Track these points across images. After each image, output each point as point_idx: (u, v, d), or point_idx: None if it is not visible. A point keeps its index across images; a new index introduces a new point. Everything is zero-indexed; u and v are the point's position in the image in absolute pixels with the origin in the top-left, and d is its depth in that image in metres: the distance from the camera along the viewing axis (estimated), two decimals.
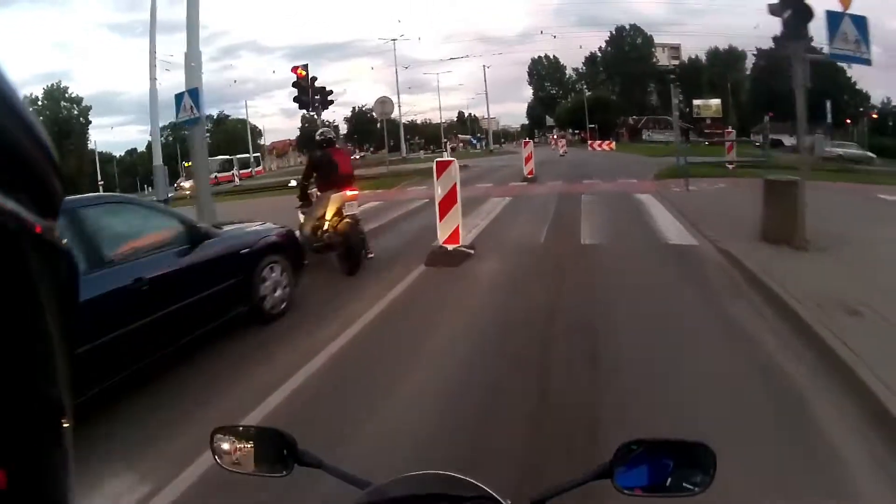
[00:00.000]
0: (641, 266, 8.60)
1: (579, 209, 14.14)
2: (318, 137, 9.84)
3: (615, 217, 12.99)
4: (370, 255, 9.75)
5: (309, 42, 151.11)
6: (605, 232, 11.20)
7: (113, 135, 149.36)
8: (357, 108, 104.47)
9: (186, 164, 57.83)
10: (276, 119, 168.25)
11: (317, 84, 19.89)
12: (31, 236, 0.42)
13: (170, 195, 40.57)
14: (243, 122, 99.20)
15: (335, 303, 7.51)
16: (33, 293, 0.41)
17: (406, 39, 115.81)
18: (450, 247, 9.55)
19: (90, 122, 77.88)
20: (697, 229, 10.65)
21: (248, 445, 1.43)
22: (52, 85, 74.74)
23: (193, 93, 12.38)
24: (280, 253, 7.23)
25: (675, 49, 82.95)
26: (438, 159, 9.66)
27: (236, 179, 52.24)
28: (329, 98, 20.52)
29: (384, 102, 26.68)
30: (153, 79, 30.11)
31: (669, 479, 1.21)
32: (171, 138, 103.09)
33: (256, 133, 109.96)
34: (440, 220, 9.66)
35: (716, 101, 67.03)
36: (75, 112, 75.84)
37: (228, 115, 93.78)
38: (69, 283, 0.50)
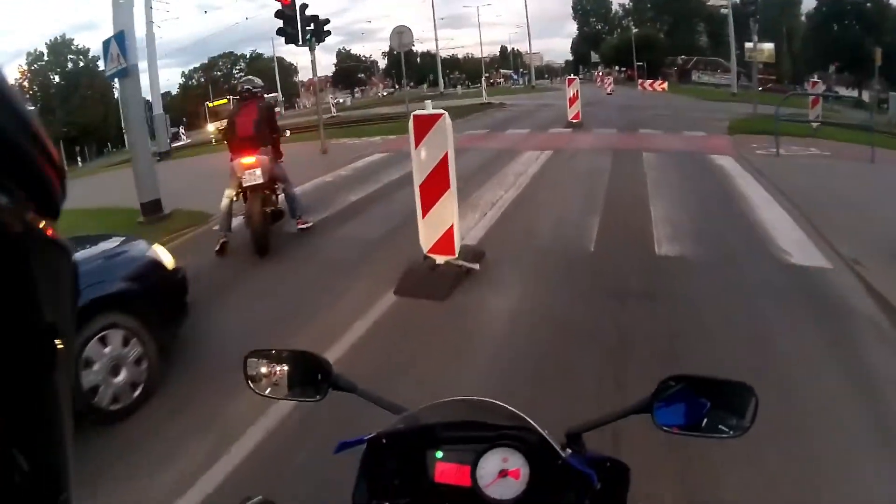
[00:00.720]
0: (758, 322, 4.85)
1: (643, 178, 10.22)
2: (238, 87, 8.48)
3: (695, 196, 9.05)
4: (302, 226, 8.24)
5: None
6: (687, 229, 7.32)
7: (144, 79, 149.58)
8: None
9: (210, 105, 54.97)
10: (318, 55, 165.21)
11: (309, 12, 16.12)
12: (33, 236, 0.42)
13: (174, 145, 38.89)
14: (279, 59, 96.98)
15: (223, 383, 4.07)
16: (35, 293, 0.42)
17: None
18: (440, 259, 5.98)
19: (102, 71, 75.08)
20: (818, 231, 7.09)
21: (282, 369, 1.42)
22: (57, 38, 73.74)
23: (119, 38, 10.35)
24: (127, 307, 4.29)
25: None
26: (416, 112, 5.93)
27: None
28: (325, 29, 16.69)
29: (401, 33, 22.64)
30: (150, 22, 27.93)
31: (705, 420, 1.17)
32: (202, 79, 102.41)
33: (292, 70, 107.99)
34: (422, 216, 6.06)
35: (769, 46, 62.44)
36: (81, 64, 74.16)
37: (262, 54, 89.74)
38: (70, 282, 0.48)
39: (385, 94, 67.84)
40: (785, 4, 70.90)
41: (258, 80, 8.31)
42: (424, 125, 5.70)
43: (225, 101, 52.67)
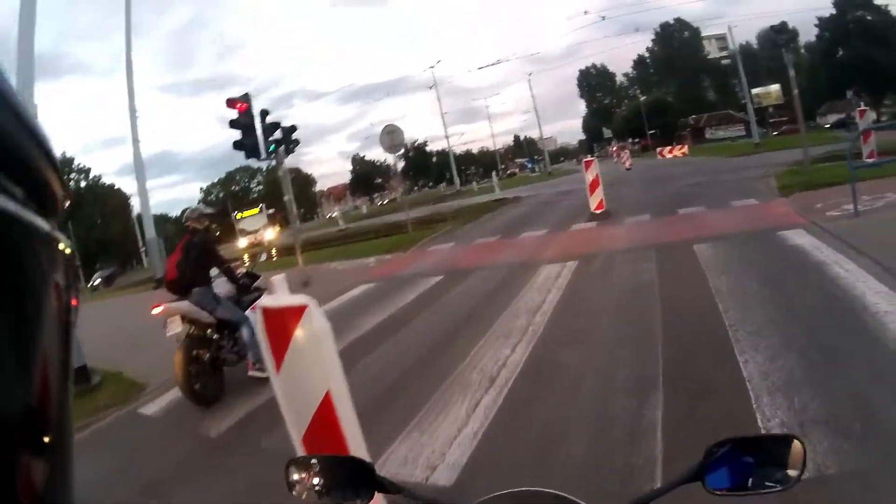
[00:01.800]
0: None
1: (708, 295, 6.93)
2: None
3: (794, 318, 5.70)
4: (255, 374, 6.95)
5: (359, 83, 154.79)
6: (824, 408, 3.92)
7: (173, 192, 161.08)
8: (410, 144, 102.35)
9: (239, 216, 53.12)
10: (336, 163, 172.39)
11: (271, 120, 13.51)
12: (34, 237, 0.42)
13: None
14: (295, 170, 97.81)
15: None
16: (36, 292, 0.42)
17: (442, 64, 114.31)
18: None
19: (112, 187, 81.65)
20: None
21: (323, 475, 1.40)
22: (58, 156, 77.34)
23: None
24: None
25: (722, 39, 77.42)
26: (265, 303, 2.89)
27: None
28: (292, 138, 14.06)
29: (392, 132, 20.07)
30: (136, 140, 26.12)
31: (751, 479, 1.16)
32: (220, 194, 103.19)
33: (311, 180, 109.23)
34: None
35: (775, 87, 64.28)
36: (83, 184, 78.86)
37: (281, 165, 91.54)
38: (71, 283, 0.48)
39: (395, 197, 68.02)
40: (774, 47, 71.67)
41: (202, 209, 7.42)
42: (281, 329, 2.68)
43: (256, 210, 52.00)
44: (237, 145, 12.90)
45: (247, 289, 7.60)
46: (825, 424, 3.72)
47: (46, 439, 0.42)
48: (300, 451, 2.83)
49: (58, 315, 0.44)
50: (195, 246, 6.86)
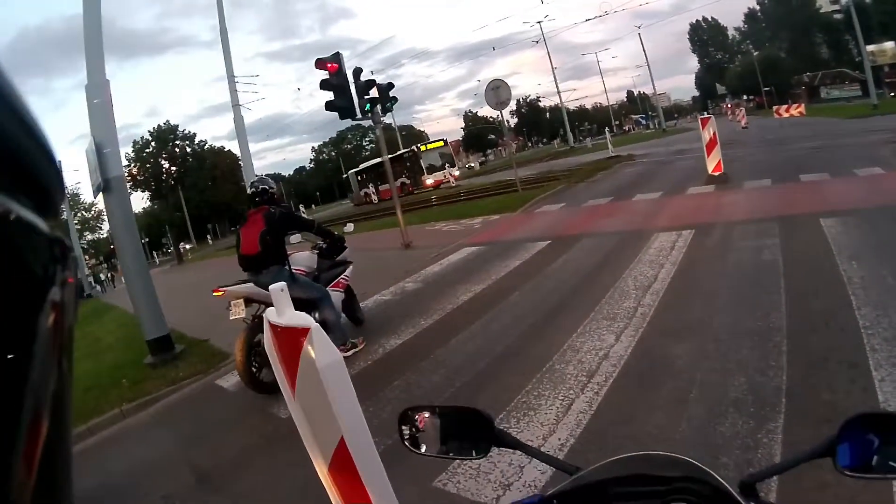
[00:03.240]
0: None
1: (839, 284, 5.87)
2: (248, 190, 6.92)
3: None
4: (345, 354, 6.14)
5: (468, 41, 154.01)
6: None
7: (284, 154, 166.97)
8: (522, 100, 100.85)
9: (423, 148, 49.37)
10: (450, 120, 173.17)
11: (364, 78, 12.94)
12: (34, 236, 0.41)
13: None
14: (408, 128, 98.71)
15: None
16: (36, 291, 0.41)
17: (551, 20, 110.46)
18: None
19: (222, 149, 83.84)
20: None
21: (438, 424, 1.38)
22: (161, 125, 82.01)
23: (95, 149, 8.70)
24: None
25: None
26: (272, 318, 2.28)
27: (374, 198, 46.77)
28: (390, 95, 13.44)
29: (497, 87, 19.18)
30: (236, 105, 26.77)
31: (875, 458, 1.06)
32: (333, 153, 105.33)
33: (424, 138, 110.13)
34: None
35: (891, 45, 60.85)
36: (188, 150, 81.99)
37: (389, 123, 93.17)
38: (70, 277, 0.46)
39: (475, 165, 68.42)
40: None
41: (271, 182, 6.81)
42: (288, 350, 2.09)
43: (441, 143, 48.94)
44: (329, 106, 12.42)
45: (331, 258, 7.11)
46: None
47: (43, 443, 0.40)
48: (326, 482, 2.26)
49: (58, 314, 0.42)
50: (278, 219, 6.32)
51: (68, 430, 0.45)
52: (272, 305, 5.83)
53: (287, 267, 6.36)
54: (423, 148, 45.94)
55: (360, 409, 2.05)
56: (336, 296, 6.81)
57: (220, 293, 6.21)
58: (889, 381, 3.85)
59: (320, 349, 1.96)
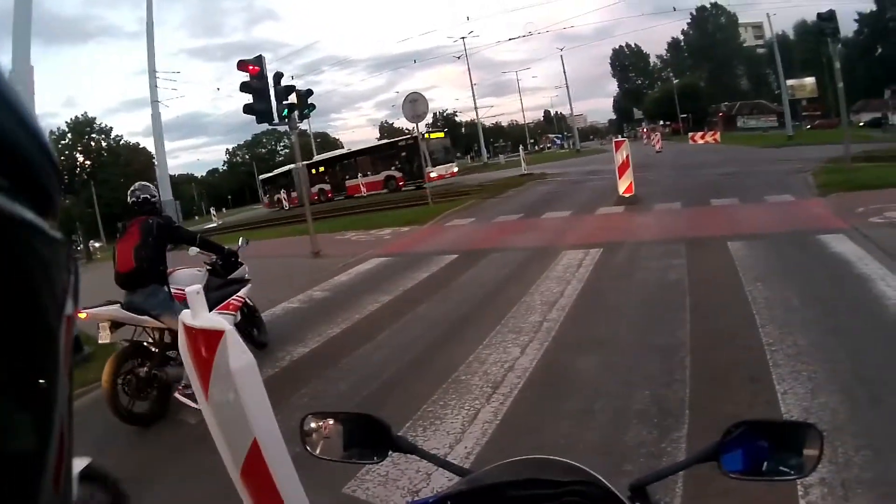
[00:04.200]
0: None
1: (745, 305, 6.19)
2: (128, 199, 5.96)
3: (843, 349, 4.84)
4: (181, 397, 5.41)
5: (390, 52, 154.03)
6: (868, 467, 3.23)
7: (199, 154, 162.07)
8: (439, 114, 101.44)
9: (428, 136, 39.58)
10: (366, 130, 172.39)
11: (284, 83, 12.82)
12: (34, 236, 0.40)
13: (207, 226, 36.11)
14: (323, 135, 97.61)
15: None
16: (36, 290, 0.40)
17: (476, 36, 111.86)
18: None
19: (137, 146, 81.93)
20: None
21: (339, 430, 1.42)
22: (78, 117, 79.68)
23: None
24: None
25: (759, 27, 75.61)
26: (186, 320, 2.22)
27: (285, 204, 45.46)
28: (308, 102, 13.37)
29: (415, 101, 19.21)
30: (155, 101, 25.96)
31: (766, 463, 1.15)
32: (247, 156, 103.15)
33: (339, 146, 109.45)
34: None
35: (810, 80, 63.16)
36: (103, 144, 79.75)
37: (305, 130, 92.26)
38: (70, 280, 0.46)
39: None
40: (820, 35, 69.92)
41: (153, 189, 6.10)
42: (201, 354, 2.09)
43: (442, 134, 42.57)
44: (247, 109, 12.22)
45: (223, 275, 6.43)
46: (871, 483, 3.10)
47: (45, 439, 0.40)
48: (239, 486, 2.25)
49: (57, 314, 0.42)
50: (156, 228, 5.61)
51: (71, 443, 0.45)
52: (152, 328, 5.50)
53: (165, 287, 5.68)
54: (428, 136, 38.12)
55: (272, 412, 2.07)
56: (224, 319, 5.93)
57: (83, 315, 5.40)
58: (791, 394, 4.13)
59: (234, 352, 1.97)
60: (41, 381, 0.39)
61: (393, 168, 38.37)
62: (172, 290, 5.70)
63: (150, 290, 5.52)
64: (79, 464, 3.72)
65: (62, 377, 0.41)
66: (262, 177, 55.34)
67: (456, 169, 40.10)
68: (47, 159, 0.42)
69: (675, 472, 1.31)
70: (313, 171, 42.82)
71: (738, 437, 1.16)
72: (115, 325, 5.47)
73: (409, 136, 39.73)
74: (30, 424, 0.39)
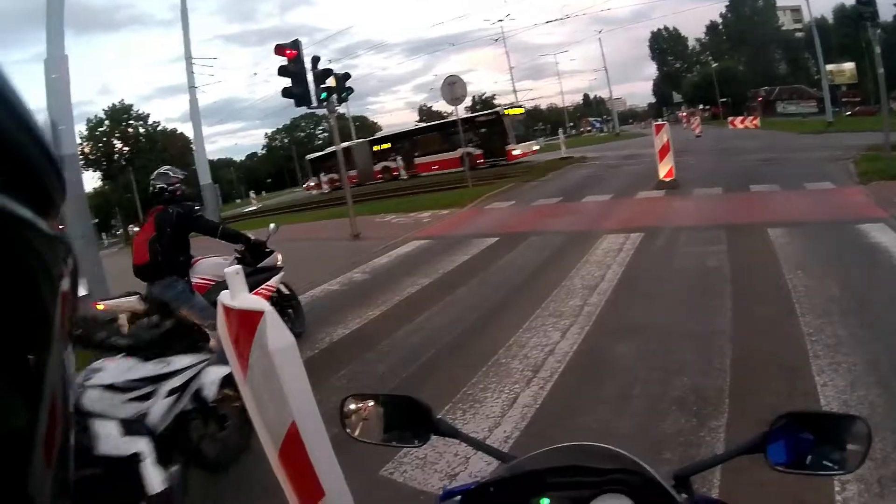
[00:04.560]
0: None
1: (786, 295, 6.01)
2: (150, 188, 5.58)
3: (882, 342, 4.66)
4: None
5: (427, 36, 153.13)
6: None
7: (237, 139, 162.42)
8: (477, 97, 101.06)
9: (507, 112, 37.28)
10: (404, 113, 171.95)
11: (322, 67, 12.82)
12: (34, 235, 0.42)
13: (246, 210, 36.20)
14: (361, 118, 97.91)
15: None
16: (36, 289, 0.41)
17: (513, 19, 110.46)
18: None
19: (174, 132, 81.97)
20: None
21: (380, 413, 1.41)
22: (115, 104, 79.62)
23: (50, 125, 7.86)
24: None
25: (797, 11, 74.88)
26: (225, 300, 2.19)
27: (324, 187, 45.18)
28: (346, 86, 13.35)
29: (453, 83, 19.14)
30: (192, 87, 26.20)
31: (809, 456, 1.12)
32: (286, 140, 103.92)
33: (377, 130, 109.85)
34: None
35: (849, 66, 61.44)
36: (141, 130, 79.96)
37: (343, 114, 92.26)
38: (70, 279, 0.48)
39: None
40: (859, 19, 67.63)
41: (173, 175, 5.54)
42: (240, 334, 2.07)
43: (522, 110, 39.52)
44: (286, 93, 12.29)
45: (252, 263, 5.96)
46: None
47: (45, 434, 0.40)
48: (276, 467, 2.24)
49: (57, 312, 0.43)
50: (173, 218, 5.31)
51: (71, 421, 0.46)
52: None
53: (185, 278, 5.46)
54: (508, 112, 35.95)
55: (311, 393, 2.05)
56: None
57: (101, 306, 5.08)
58: (831, 386, 4.02)
59: (273, 333, 1.95)
60: (30, 357, 0.39)
61: (471, 144, 34.22)
62: (195, 280, 5.57)
63: (166, 281, 5.33)
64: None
65: (55, 354, 0.41)
66: (310, 156, 50.62)
67: (537, 147, 38.40)
68: (48, 159, 0.43)
69: (720, 462, 1.28)
70: (376, 147, 41.78)
71: (782, 429, 1.13)
72: (135, 316, 4.75)
73: (489, 110, 37.69)
74: (19, 401, 0.38)
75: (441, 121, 42.39)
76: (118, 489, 3.12)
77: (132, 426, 3.12)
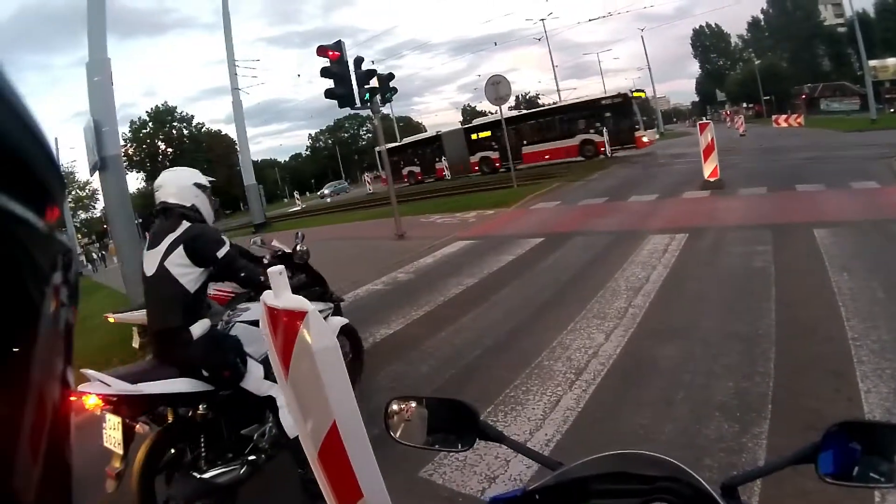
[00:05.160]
0: None
1: (832, 301, 5.77)
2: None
3: None
4: None
5: (470, 35, 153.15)
6: None
7: (281, 140, 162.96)
8: (522, 96, 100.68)
9: (635, 94, 34.35)
10: (448, 114, 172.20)
11: (365, 68, 12.89)
12: (34, 235, 0.42)
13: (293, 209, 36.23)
14: (406, 119, 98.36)
15: None
16: (34, 292, 0.42)
17: (555, 18, 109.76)
18: None
19: (219, 133, 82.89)
20: None
21: (423, 415, 1.39)
22: (158, 106, 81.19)
23: (93, 127, 8.57)
24: None
25: (838, 6, 72.40)
26: (269, 300, 2.17)
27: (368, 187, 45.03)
28: (390, 86, 13.40)
29: (497, 83, 19.12)
30: (235, 88, 26.68)
31: (856, 468, 1.08)
32: (330, 141, 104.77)
33: (422, 130, 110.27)
34: None
35: (893, 61, 59.10)
36: (185, 132, 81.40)
37: (388, 114, 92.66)
38: (70, 278, 0.48)
39: None
40: None
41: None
42: (282, 333, 2.10)
43: (643, 94, 36.56)
44: (329, 94, 12.39)
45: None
46: None
47: (44, 439, 0.41)
48: (315, 466, 2.26)
49: (56, 313, 0.43)
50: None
51: (69, 424, 0.46)
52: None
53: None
54: (635, 94, 32.87)
55: (352, 394, 2.06)
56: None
57: (112, 319, 5.02)
58: (875, 393, 3.90)
59: (316, 333, 1.96)
60: (14, 349, 0.38)
61: (592, 131, 31.83)
62: (212, 292, 4.66)
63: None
64: (337, 322, 4.75)
65: (43, 348, 0.41)
66: (382, 147, 44.57)
67: (657, 136, 36.40)
68: (48, 160, 0.43)
69: (770, 472, 1.25)
70: (474, 136, 37.61)
71: (833, 439, 1.10)
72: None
73: (615, 93, 33.43)
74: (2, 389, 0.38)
75: (555, 104, 38.61)
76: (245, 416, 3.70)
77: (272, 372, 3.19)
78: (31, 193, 0.41)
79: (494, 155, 35.94)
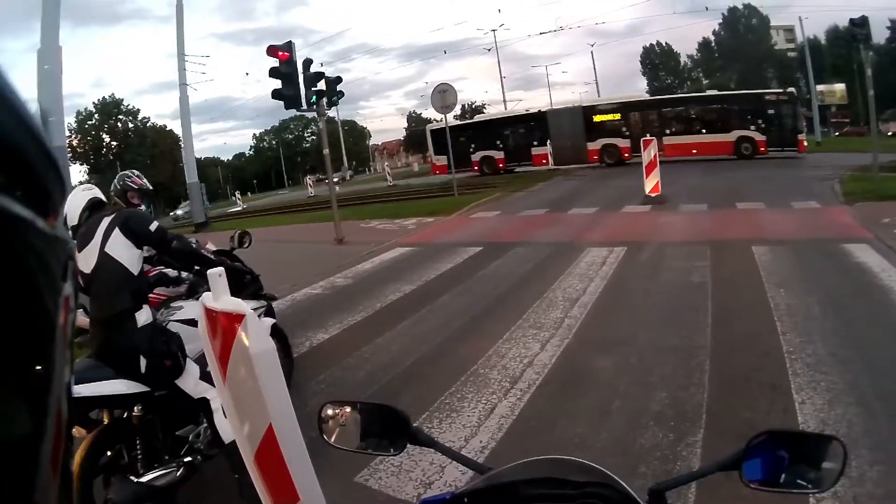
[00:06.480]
0: None
1: (767, 313, 6.06)
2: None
3: (862, 362, 4.74)
4: None
5: (421, 42, 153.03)
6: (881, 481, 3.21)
7: (226, 138, 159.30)
8: (468, 105, 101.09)
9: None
10: (394, 119, 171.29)
11: (314, 70, 12.81)
12: (34, 234, 0.41)
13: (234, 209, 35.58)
14: (351, 122, 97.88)
15: None
16: (36, 288, 0.41)
17: (507, 29, 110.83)
18: None
19: (164, 128, 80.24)
20: None
21: (357, 420, 1.41)
22: (106, 98, 78.58)
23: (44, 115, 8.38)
24: None
25: (790, 30, 74.86)
26: (208, 302, 2.18)
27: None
28: (337, 89, 13.38)
29: (444, 91, 19.21)
30: (183, 84, 26.17)
31: (783, 475, 1.13)
32: (274, 142, 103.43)
33: (366, 134, 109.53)
34: None
35: (840, 87, 59.44)
36: (130, 125, 79.00)
37: (332, 117, 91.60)
38: (70, 278, 0.46)
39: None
40: (852, 41, 67.96)
41: (130, 180, 4.01)
42: (220, 336, 2.07)
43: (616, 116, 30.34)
44: (276, 94, 12.29)
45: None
46: (882, 499, 3.06)
47: (41, 423, 0.40)
48: (252, 470, 2.24)
49: (56, 314, 0.42)
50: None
51: (72, 427, 0.46)
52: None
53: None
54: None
55: (289, 397, 2.06)
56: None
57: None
58: (809, 404, 4.07)
59: (254, 336, 1.95)
60: (38, 367, 0.38)
61: (753, 127, 27.80)
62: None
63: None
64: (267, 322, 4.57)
65: (59, 362, 0.41)
66: (431, 127, 36.95)
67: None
68: (48, 160, 0.42)
69: (696, 479, 1.31)
70: (597, 118, 30.65)
71: (759, 447, 1.14)
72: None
73: (781, 89, 30.31)
74: (26, 410, 0.38)
75: (711, 93, 33.72)
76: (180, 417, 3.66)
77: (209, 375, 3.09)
78: (33, 196, 0.40)
79: (623, 143, 29.45)
